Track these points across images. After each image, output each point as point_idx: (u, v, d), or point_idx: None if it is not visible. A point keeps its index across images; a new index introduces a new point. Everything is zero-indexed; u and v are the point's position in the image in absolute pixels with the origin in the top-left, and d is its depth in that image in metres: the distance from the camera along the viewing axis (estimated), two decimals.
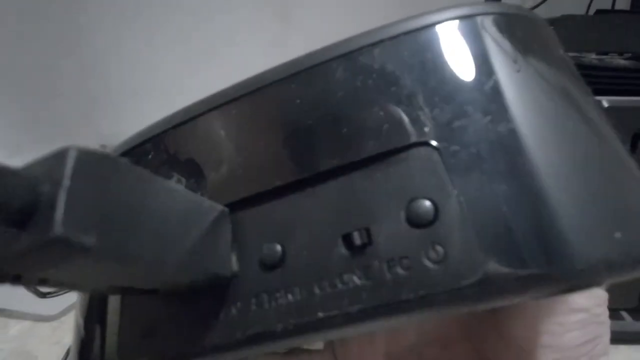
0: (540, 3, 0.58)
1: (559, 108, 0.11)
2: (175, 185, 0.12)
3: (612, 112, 0.30)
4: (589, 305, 0.15)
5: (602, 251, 0.09)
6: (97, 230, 0.08)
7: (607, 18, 0.48)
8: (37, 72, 0.60)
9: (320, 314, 0.10)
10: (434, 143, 0.10)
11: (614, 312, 0.36)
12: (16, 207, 0.07)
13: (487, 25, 0.11)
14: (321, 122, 0.11)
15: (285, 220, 0.11)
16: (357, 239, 0.10)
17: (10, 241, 0.08)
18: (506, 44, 0.11)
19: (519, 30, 0.11)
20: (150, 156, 0.14)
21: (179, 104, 0.14)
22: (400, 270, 0.10)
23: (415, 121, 0.10)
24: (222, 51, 0.62)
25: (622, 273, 0.10)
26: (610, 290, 0.16)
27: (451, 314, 0.11)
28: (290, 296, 0.11)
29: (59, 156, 0.08)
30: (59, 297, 0.43)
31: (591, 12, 0.56)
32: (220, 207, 0.12)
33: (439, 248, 0.10)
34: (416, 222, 0.10)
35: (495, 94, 0.10)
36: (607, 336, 0.16)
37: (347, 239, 0.11)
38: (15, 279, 0.09)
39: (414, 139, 0.10)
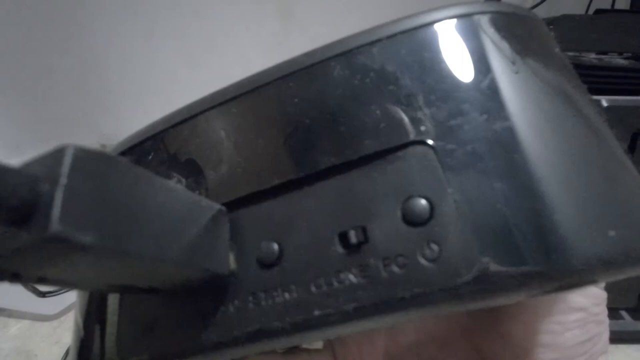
0: (540, 2, 0.58)
1: (556, 107, 0.11)
2: (173, 184, 0.12)
3: (611, 112, 0.30)
4: (587, 304, 0.15)
5: (596, 249, 0.09)
6: (95, 228, 0.08)
7: (607, 18, 0.48)
8: (37, 72, 0.60)
9: (317, 312, 0.10)
10: (430, 142, 0.10)
11: (613, 312, 0.36)
12: (15, 205, 0.07)
13: (485, 24, 0.11)
14: (318, 121, 0.11)
15: (282, 219, 0.11)
16: (353, 238, 0.10)
17: (9, 239, 0.08)
18: (504, 44, 0.11)
19: (517, 29, 0.11)
20: (149, 155, 0.14)
21: (179, 102, 0.14)
22: (395, 269, 0.10)
23: (412, 120, 0.10)
24: (223, 49, 0.62)
25: (617, 270, 0.10)
26: (609, 290, 0.16)
27: (447, 311, 0.11)
28: (287, 294, 0.11)
29: (57, 154, 0.08)
30: (59, 296, 0.43)
31: (591, 11, 0.56)
32: (217, 206, 0.12)
33: (434, 246, 0.10)
34: (412, 220, 0.10)
35: (492, 92, 0.10)
36: (606, 335, 0.16)
37: (343, 237, 0.11)
38: (14, 277, 0.09)
39: (410, 137, 0.10)
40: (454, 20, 0.11)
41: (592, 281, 0.10)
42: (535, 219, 0.09)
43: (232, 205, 0.12)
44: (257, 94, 0.12)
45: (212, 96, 0.13)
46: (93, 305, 0.15)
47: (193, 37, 0.61)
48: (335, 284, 0.10)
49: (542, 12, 0.58)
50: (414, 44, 0.11)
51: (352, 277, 0.10)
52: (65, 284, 0.10)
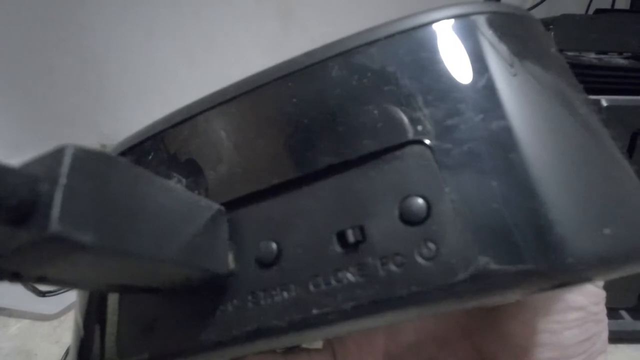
0: (540, 2, 0.58)
1: (552, 107, 0.11)
2: (172, 184, 0.12)
3: (611, 111, 0.30)
4: (586, 304, 0.15)
5: (592, 246, 0.09)
6: (94, 227, 0.08)
7: (607, 17, 0.48)
8: (37, 72, 0.60)
9: (315, 311, 0.10)
10: (427, 141, 0.10)
11: (613, 311, 0.36)
12: (14, 205, 0.07)
13: (482, 24, 0.11)
14: (317, 121, 0.11)
15: (281, 219, 0.11)
16: (351, 237, 0.10)
17: (9, 239, 0.08)
18: (501, 44, 0.11)
19: (514, 30, 0.11)
20: (149, 155, 0.14)
21: (179, 101, 0.14)
22: (393, 267, 0.10)
23: (409, 120, 0.10)
24: (223, 49, 0.62)
25: (613, 268, 0.10)
26: (609, 289, 0.16)
27: (445, 310, 0.12)
28: (285, 293, 0.11)
29: (57, 154, 0.08)
30: (59, 296, 0.43)
31: (591, 11, 0.56)
32: (216, 206, 0.12)
33: (432, 245, 0.10)
34: (409, 219, 0.10)
35: (489, 92, 0.10)
36: (605, 334, 0.16)
37: (341, 236, 0.11)
38: (14, 277, 0.09)
39: (407, 137, 0.10)
40: (452, 21, 0.11)
41: (588, 279, 0.10)
42: (531, 217, 0.09)
43: (231, 205, 0.12)
44: (256, 94, 0.12)
45: (212, 96, 0.13)
46: (93, 305, 0.15)
47: (193, 37, 0.61)
48: (334, 283, 0.10)
49: (542, 12, 0.58)
50: (412, 44, 0.11)
51: (350, 276, 0.10)
52: (65, 284, 0.10)
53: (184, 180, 0.13)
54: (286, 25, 0.62)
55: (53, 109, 0.62)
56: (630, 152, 0.31)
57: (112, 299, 0.14)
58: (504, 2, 0.21)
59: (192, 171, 0.13)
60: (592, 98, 0.30)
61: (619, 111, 0.30)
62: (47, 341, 0.40)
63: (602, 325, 0.16)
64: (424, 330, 0.20)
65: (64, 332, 0.41)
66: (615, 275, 0.10)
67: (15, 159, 0.09)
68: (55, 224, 0.07)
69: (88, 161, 0.08)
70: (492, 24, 0.11)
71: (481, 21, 0.11)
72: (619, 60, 0.37)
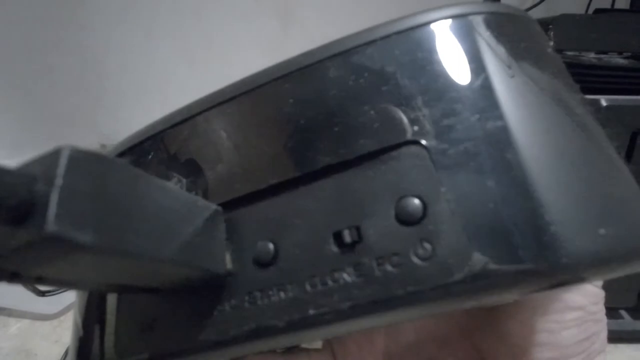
0: (539, 2, 0.58)
1: (549, 107, 0.11)
2: (170, 185, 0.12)
3: (611, 111, 0.30)
4: (585, 303, 0.15)
5: (588, 246, 0.09)
6: (91, 227, 0.08)
7: (607, 17, 0.48)
8: (37, 72, 0.60)
9: (312, 311, 0.10)
10: (423, 141, 0.10)
11: (612, 311, 0.36)
12: (13, 205, 0.07)
13: (479, 24, 0.11)
14: (314, 121, 0.11)
15: (278, 219, 0.12)
16: (348, 237, 0.10)
17: (8, 238, 0.08)
18: (498, 45, 0.11)
19: (511, 30, 0.11)
20: (149, 155, 0.14)
21: (179, 101, 0.14)
22: (389, 267, 0.10)
23: (406, 120, 0.10)
24: (222, 49, 0.62)
25: (608, 268, 0.10)
26: (609, 289, 0.16)
27: (442, 310, 0.12)
28: (282, 293, 0.11)
29: (54, 155, 0.08)
30: (59, 295, 0.43)
31: (590, 11, 0.56)
32: (213, 206, 0.12)
33: (427, 245, 0.10)
34: (405, 219, 0.10)
35: (486, 92, 0.10)
36: (604, 334, 0.16)
37: (338, 236, 0.11)
38: (13, 277, 0.09)
39: (404, 137, 0.10)
40: (449, 21, 0.11)
41: (584, 279, 0.10)
42: (527, 217, 0.09)
43: (229, 205, 0.12)
44: (254, 95, 0.12)
45: (211, 96, 0.13)
46: (92, 305, 0.15)
47: (193, 37, 0.61)
48: (330, 283, 0.10)
49: (541, 11, 0.58)
50: (409, 45, 0.11)
51: (346, 276, 0.10)
52: (64, 284, 0.10)
53: (183, 180, 0.13)
54: (286, 25, 0.62)
55: (53, 109, 0.62)
56: (630, 152, 0.31)
57: (111, 299, 0.14)
58: (502, 2, 0.21)
59: (190, 171, 0.13)
60: (592, 98, 0.30)
61: (619, 111, 0.30)
62: (47, 341, 0.40)
63: (601, 325, 0.16)
64: (423, 330, 0.20)
65: (64, 331, 0.41)
66: (612, 275, 0.10)
67: (15, 159, 0.09)
68: (51, 223, 0.07)
69: (84, 162, 0.08)
70: (489, 24, 0.11)
71: (478, 21, 0.11)
72: (619, 60, 0.37)
